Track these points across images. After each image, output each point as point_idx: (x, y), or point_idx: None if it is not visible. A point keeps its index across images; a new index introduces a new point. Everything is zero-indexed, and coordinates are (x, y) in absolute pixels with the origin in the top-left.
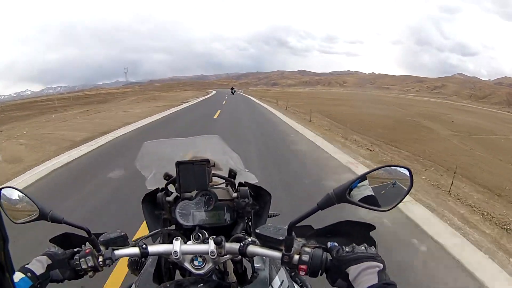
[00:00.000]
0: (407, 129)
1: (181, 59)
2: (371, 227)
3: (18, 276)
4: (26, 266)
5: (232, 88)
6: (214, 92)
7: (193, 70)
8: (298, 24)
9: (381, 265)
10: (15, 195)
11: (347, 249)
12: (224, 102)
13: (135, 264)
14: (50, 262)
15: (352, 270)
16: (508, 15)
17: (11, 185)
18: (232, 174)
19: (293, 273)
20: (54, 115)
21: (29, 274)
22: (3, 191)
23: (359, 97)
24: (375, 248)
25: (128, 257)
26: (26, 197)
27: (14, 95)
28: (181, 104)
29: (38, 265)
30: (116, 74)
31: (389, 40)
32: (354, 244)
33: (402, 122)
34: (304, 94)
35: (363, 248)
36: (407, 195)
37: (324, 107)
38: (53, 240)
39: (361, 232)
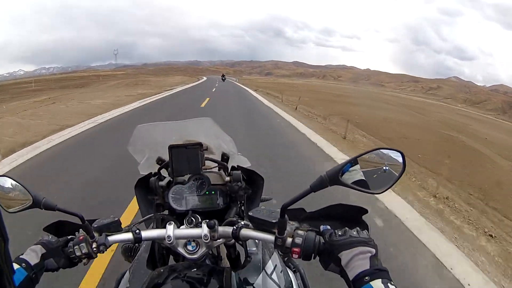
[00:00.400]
0: (463, 155)
1: (176, 45)
2: (364, 211)
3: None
4: (20, 256)
5: (223, 76)
6: (205, 78)
7: (188, 56)
8: (295, 15)
9: (373, 250)
10: (7, 183)
11: (339, 233)
12: (207, 100)
13: (129, 251)
14: (44, 251)
15: (345, 256)
16: (509, 24)
17: (4, 174)
18: (225, 158)
19: (286, 258)
20: (5, 106)
21: (23, 264)
22: None
23: (360, 94)
24: (368, 232)
25: (122, 245)
26: (19, 185)
27: (7, 74)
28: (161, 93)
29: (33, 255)
30: (109, 57)
31: (386, 37)
32: (346, 228)
33: (443, 140)
34: (302, 86)
35: (355, 232)
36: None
37: (338, 107)
38: (47, 229)
39: (353, 216)
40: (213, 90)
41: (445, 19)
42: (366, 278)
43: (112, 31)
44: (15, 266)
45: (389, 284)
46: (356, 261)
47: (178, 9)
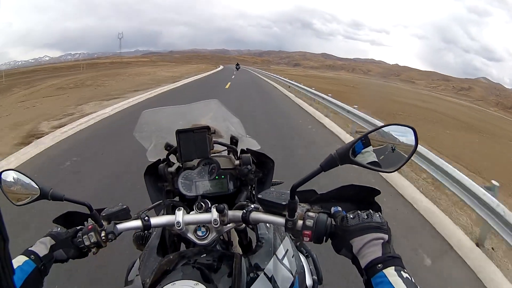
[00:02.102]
0: None
1: (203, 34)
2: (376, 192)
3: (21, 259)
4: (29, 248)
5: (237, 64)
6: (221, 67)
7: (215, 44)
8: (324, 7)
9: (386, 236)
10: (14, 177)
11: (351, 216)
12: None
13: (140, 239)
14: (53, 242)
15: (356, 242)
16: None
17: (10, 168)
18: (234, 141)
19: (298, 243)
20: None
21: (32, 256)
22: (2, 174)
23: (407, 93)
24: (380, 214)
25: (133, 233)
26: (26, 177)
27: (32, 60)
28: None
29: (42, 247)
30: (136, 44)
31: (415, 33)
32: (358, 212)
33: None
34: (346, 81)
35: (367, 216)
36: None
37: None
38: (56, 220)
39: (365, 197)
40: (227, 84)
41: (474, 18)
42: (379, 266)
43: (138, 20)
44: (24, 258)
45: (402, 272)
46: (368, 248)
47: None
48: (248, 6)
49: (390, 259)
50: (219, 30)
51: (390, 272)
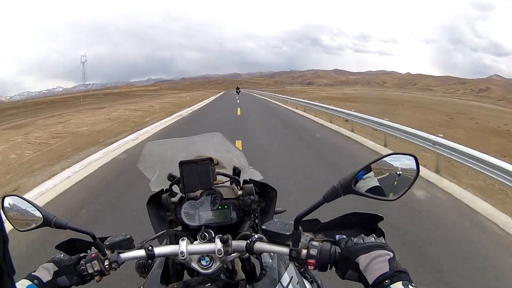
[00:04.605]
0: None
1: (214, 58)
2: (379, 218)
3: (25, 283)
4: (32, 273)
5: (238, 88)
6: (222, 93)
7: (227, 68)
8: (330, 22)
9: (391, 253)
10: (18, 203)
11: (355, 240)
12: None
13: (143, 267)
14: (56, 268)
15: (363, 259)
16: None
17: (14, 194)
18: (237, 171)
19: (302, 269)
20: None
21: (36, 281)
22: (6, 199)
23: (441, 105)
24: (384, 239)
25: (135, 261)
26: (30, 205)
27: (46, 91)
28: None
29: (45, 272)
30: (149, 72)
31: (422, 38)
32: (363, 235)
33: None
34: (379, 99)
35: (372, 238)
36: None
37: None
38: (59, 247)
39: (369, 223)
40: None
41: (479, 14)
42: (387, 281)
43: (149, 46)
44: (27, 282)
45: (410, 286)
46: (375, 264)
47: (212, 23)
48: (256, 27)
49: (397, 274)
50: (230, 53)
51: (398, 287)
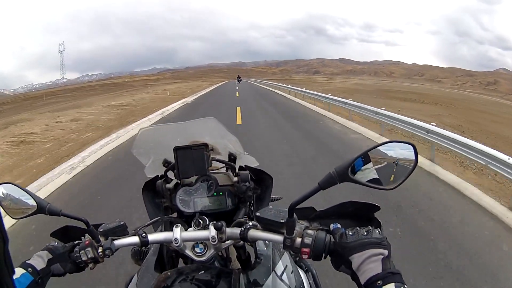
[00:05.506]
0: None
1: (219, 47)
2: (376, 208)
3: (19, 272)
4: (27, 261)
5: (238, 77)
6: (222, 82)
7: (231, 58)
8: (335, 12)
9: (386, 251)
10: (12, 190)
11: (350, 233)
12: None
13: (138, 254)
14: (50, 256)
15: (356, 259)
16: None
17: (8, 181)
18: (232, 158)
19: (297, 258)
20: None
21: (29, 269)
22: (0, 187)
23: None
24: (380, 230)
25: (131, 248)
26: (23, 192)
27: (49, 83)
28: None
29: (39, 260)
30: (153, 61)
31: (428, 30)
32: (357, 228)
33: None
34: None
35: (366, 232)
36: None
37: None
38: (54, 234)
39: (365, 213)
40: None
41: (484, 7)
42: (379, 282)
43: (152, 37)
44: (21, 271)
45: None
46: (368, 264)
47: (214, 12)
48: (260, 17)
49: (390, 275)
50: (234, 43)
51: None
